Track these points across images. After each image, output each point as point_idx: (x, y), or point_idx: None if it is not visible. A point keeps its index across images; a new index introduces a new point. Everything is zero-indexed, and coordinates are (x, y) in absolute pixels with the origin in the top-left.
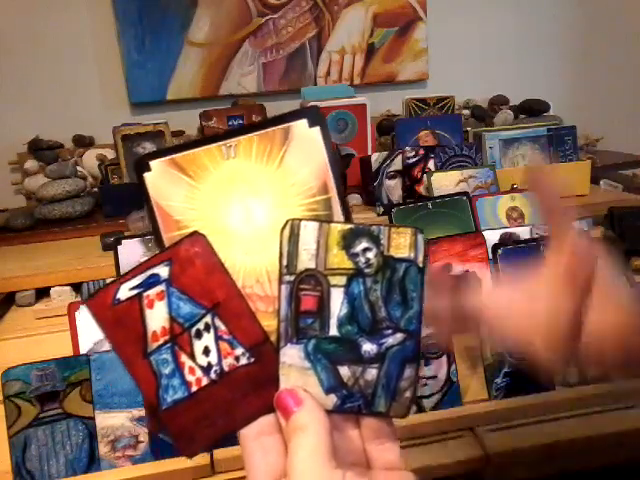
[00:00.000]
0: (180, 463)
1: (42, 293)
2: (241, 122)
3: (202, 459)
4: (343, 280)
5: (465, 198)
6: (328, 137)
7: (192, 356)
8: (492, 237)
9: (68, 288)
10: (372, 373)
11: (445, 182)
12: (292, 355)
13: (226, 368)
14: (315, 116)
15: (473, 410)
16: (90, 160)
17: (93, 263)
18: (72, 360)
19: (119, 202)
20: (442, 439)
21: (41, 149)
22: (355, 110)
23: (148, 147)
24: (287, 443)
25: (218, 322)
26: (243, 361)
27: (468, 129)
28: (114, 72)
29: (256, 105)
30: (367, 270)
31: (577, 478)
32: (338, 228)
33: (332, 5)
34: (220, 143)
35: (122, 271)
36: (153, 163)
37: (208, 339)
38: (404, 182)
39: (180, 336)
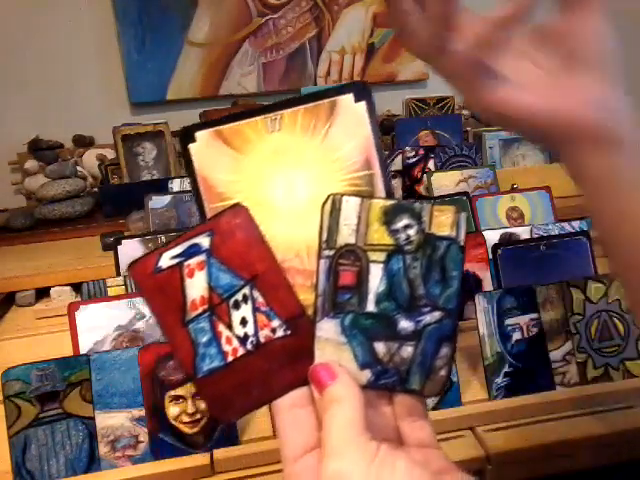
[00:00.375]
0: (180, 463)
1: (42, 293)
2: None
3: (202, 459)
4: (383, 256)
5: (465, 198)
6: (373, 112)
7: (229, 326)
8: (492, 237)
9: (68, 288)
10: (408, 350)
11: (445, 182)
12: (328, 329)
13: (262, 339)
14: (361, 91)
15: (473, 410)
16: (90, 160)
17: (93, 263)
18: (72, 360)
19: (119, 202)
20: (442, 439)
21: (41, 149)
22: None
23: (148, 147)
24: (321, 416)
25: (256, 294)
26: (279, 333)
27: (468, 129)
28: (114, 72)
29: (256, 105)
30: (407, 247)
31: (577, 478)
32: (380, 204)
33: (332, 5)
34: (265, 116)
35: (122, 272)
36: (199, 134)
37: (246, 310)
38: (404, 182)
39: (218, 306)
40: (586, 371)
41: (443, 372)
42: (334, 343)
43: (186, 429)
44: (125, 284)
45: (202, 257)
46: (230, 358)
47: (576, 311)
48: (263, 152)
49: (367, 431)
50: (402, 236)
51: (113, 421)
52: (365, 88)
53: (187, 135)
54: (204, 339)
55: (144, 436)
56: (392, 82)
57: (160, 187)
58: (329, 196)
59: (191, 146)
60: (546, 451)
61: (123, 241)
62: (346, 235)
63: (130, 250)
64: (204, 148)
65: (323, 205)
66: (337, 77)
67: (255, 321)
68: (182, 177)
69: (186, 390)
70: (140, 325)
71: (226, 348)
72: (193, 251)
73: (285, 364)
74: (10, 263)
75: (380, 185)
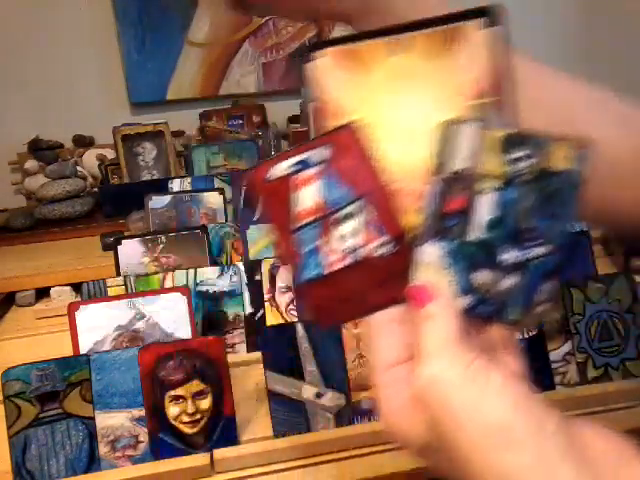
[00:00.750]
0: (180, 463)
1: (42, 293)
2: (241, 122)
3: (202, 459)
4: (496, 185)
5: None
6: (506, 38)
7: (335, 238)
8: None
9: (68, 288)
10: (510, 281)
11: None
12: (431, 253)
13: (364, 254)
14: (494, 15)
15: None
16: (90, 160)
17: (93, 263)
18: (72, 360)
19: (119, 202)
20: None
21: (41, 149)
22: None
23: (148, 147)
24: (416, 333)
25: (364, 210)
26: (382, 250)
27: None
28: (114, 72)
29: (256, 105)
30: (522, 178)
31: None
32: (500, 132)
33: None
34: (390, 38)
35: (122, 272)
36: (320, 52)
37: (352, 225)
38: None
39: (326, 218)
40: (586, 371)
41: (542, 307)
42: (435, 267)
43: (186, 429)
44: (125, 284)
45: (317, 169)
46: (331, 269)
47: (576, 311)
48: (386, 73)
49: (462, 344)
50: (518, 167)
51: (113, 421)
52: (498, 12)
53: (309, 53)
54: (309, 248)
55: (144, 436)
56: None
57: (160, 187)
58: (448, 120)
59: (312, 64)
60: None
61: (123, 241)
62: (460, 161)
63: (130, 250)
64: (325, 66)
65: (441, 129)
66: None
67: (360, 236)
68: (182, 177)
69: (186, 390)
70: (140, 325)
71: (329, 259)
72: (308, 163)
73: (384, 281)
74: (10, 263)
75: (503, 113)
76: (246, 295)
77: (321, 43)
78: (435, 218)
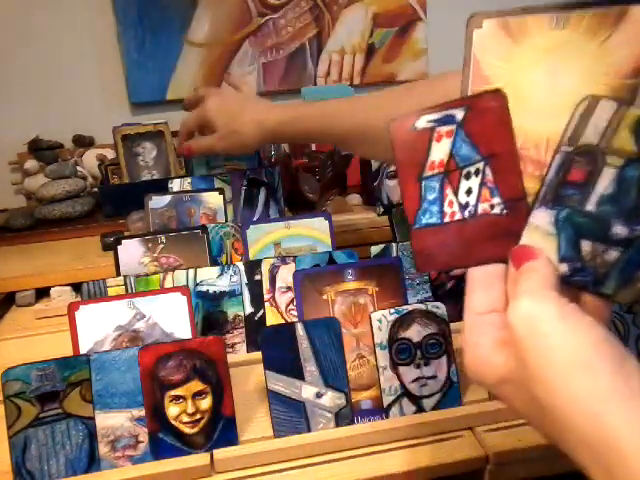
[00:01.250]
0: (180, 463)
1: (42, 293)
2: None
3: (202, 459)
4: (620, 162)
5: None
6: None
7: (456, 192)
8: None
9: (68, 288)
10: (613, 255)
11: None
12: (542, 218)
13: (480, 211)
14: None
15: (473, 410)
16: (90, 160)
17: (93, 263)
18: (72, 360)
19: (119, 202)
20: (442, 439)
21: (41, 149)
22: None
23: (148, 147)
24: (513, 284)
25: (488, 170)
26: (496, 210)
27: None
28: (114, 72)
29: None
30: None
31: (577, 478)
32: (636, 112)
33: (332, 5)
34: (553, 14)
35: (122, 272)
36: (486, 21)
37: (474, 182)
38: None
39: (452, 172)
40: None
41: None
42: (543, 231)
43: (186, 429)
44: (125, 284)
45: (453, 127)
46: (447, 219)
47: None
48: (539, 47)
49: (558, 290)
50: None
51: (113, 421)
52: None
53: (475, 20)
54: (431, 196)
55: (144, 436)
56: (392, 82)
57: (160, 187)
58: (587, 96)
59: (476, 31)
60: (546, 451)
61: (123, 241)
62: (590, 135)
63: (130, 250)
64: (487, 34)
65: (578, 104)
66: (337, 77)
67: (479, 193)
68: (182, 177)
69: (186, 390)
70: (140, 325)
71: (447, 210)
72: (447, 120)
73: (492, 238)
74: (10, 263)
75: None
76: (246, 295)
77: (492, 12)
78: (553, 186)
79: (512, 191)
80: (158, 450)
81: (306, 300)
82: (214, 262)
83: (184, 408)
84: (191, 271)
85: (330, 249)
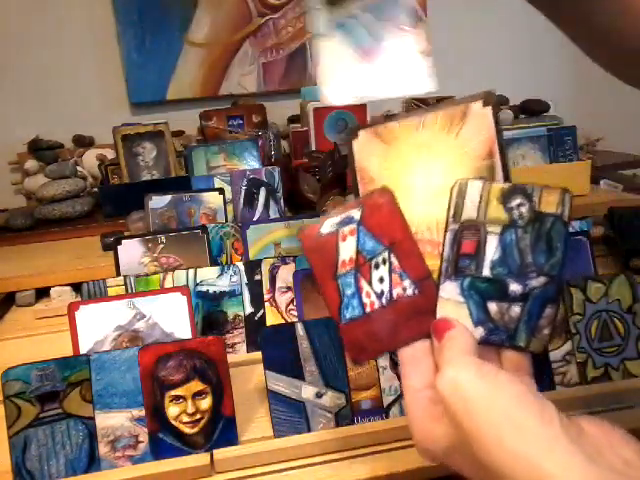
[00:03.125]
0: (180, 463)
1: (42, 293)
2: (241, 122)
3: (202, 459)
4: (499, 229)
5: None
6: (497, 115)
7: (370, 283)
8: None
9: (68, 288)
10: (516, 310)
11: None
12: (450, 290)
13: (395, 296)
14: (488, 98)
15: None
16: (90, 160)
17: (93, 263)
18: (72, 360)
19: (119, 202)
20: None
21: (41, 149)
22: (355, 110)
23: (148, 147)
24: (438, 355)
25: (393, 258)
26: (409, 292)
27: None
28: (114, 72)
29: (256, 105)
30: (520, 222)
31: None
32: (499, 186)
33: None
34: (413, 118)
35: (122, 272)
36: (361, 132)
37: (383, 271)
38: None
39: (362, 266)
40: (586, 371)
41: (546, 331)
42: (454, 302)
43: (186, 429)
44: (125, 284)
45: (354, 225)
46: (368, 309)
47: (576, 311)
48: (408, 147)
49: (476, 355)
50: (515, 213)
51: (113, 421)
52: (491, 96)
53: (353, 133)
54: (349, 292)
55: (144, 436)
56: None
57: (160, 187)
58: (457, 180)
59: (354, 142)
60: None
61: (123, 241)
62: (469, 211)
63: (130, 250)
64: (364, 143)
65: (452, 187)
66: None
67: (390, 280)
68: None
69: (186, 390)
70: (140, 325)
71: (365, 301)
72: (347, 220)
73: (412, 318)
74: (10, 263)
75: (499, 172)
76: (246, 295)
77: (364, 126)
78: (451, 260)
79: (418, 271)
80: (158, 450)
81: (306, 300)
82: (214, 262)
83: (184, 408)
84: (191, 271)
85: None
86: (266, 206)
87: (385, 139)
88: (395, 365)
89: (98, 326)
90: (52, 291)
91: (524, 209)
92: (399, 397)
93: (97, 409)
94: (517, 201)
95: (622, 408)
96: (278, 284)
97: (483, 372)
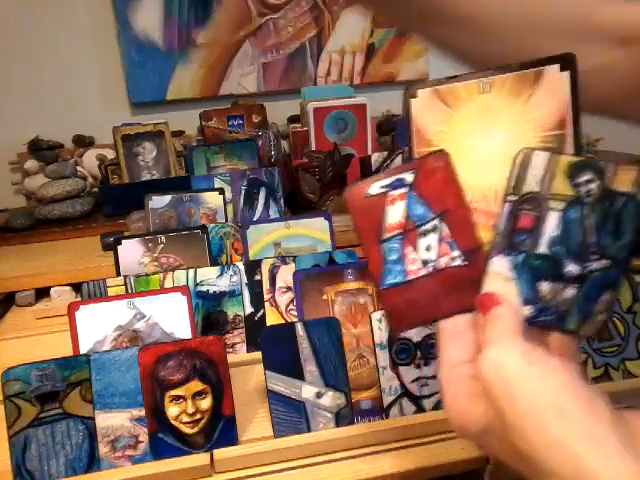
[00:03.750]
0: (180, 463)
1: (42, 293)
2: (241, 122)
3: (202, 459)
4: (562, 205)
5: None
6: (575, 81)
7: (416, 250)
8: None
9: (68, 288)
10: (571, 292)
11: None
12: (500, 265)
13: (442, 265)
14: (567, 62)
15: None
16: (90, 160)
17: (93, 263)
18: (72, 360)
19: (119, 202)
20: (442, 439)
21: (41, 149)
22: (355, 110)
23: (148, 147)
24: (481, 331)
25: (443, 226)
26: (457, 262)
27: None
28: (114, 72)
29: (256, 105)
30: (587, 199)
31: None
32: (567, 159)
33: (332, 5)
34: (479, 79)
35: (122, 272)
36: (420, 91)
37: (432, 238)
38: None
39: (410, 232)
40: (586, 371)
41: (601, 317)
42: (503, 278)
43: (186, 429)
44: (125, 284)
45: (405, 189)
46: (412, 276)
47: None
48: (472, 109)
49: (523, 336)
50: (583, 189)
51: (113, 421)
52: (571, 60)
53: (410, 91)
54: (393, 257)
55: (144, 436)
56: (392, 82)
57: (160, 187)
58: (522, 149)
59: (412, 100)
60: None
61: (123, 241)
62: (532, 184)
63: (130, 250)
64: (422, 103)
65: (515, 157)
66: (337, 77)
67: (438, 249)
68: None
69: (186, 390)
70: (140, 325)
71: (409, 268)
72: (398, 184)
73: (457, 290)
74: (10, 263)
75: (570, 144)
76: (246, 295)
77: (424, 83)
78: (506, 234)
79: (469, 243)
80: (158, 450)
81: (306, 300)
82: (214, 262)
83: (184, 408)
84: (191, 271)
85: (330, 249)
86: (266, 206)
87: (446, 100)
88: (395, 365)
89: (98, 326)
90: (52, 291)
91: (593, 185)
92: (399, 397)
93: (97, 409)
94: (586, 176)
95: (622, 408)
96: (278, 284)
97: (531, 358)
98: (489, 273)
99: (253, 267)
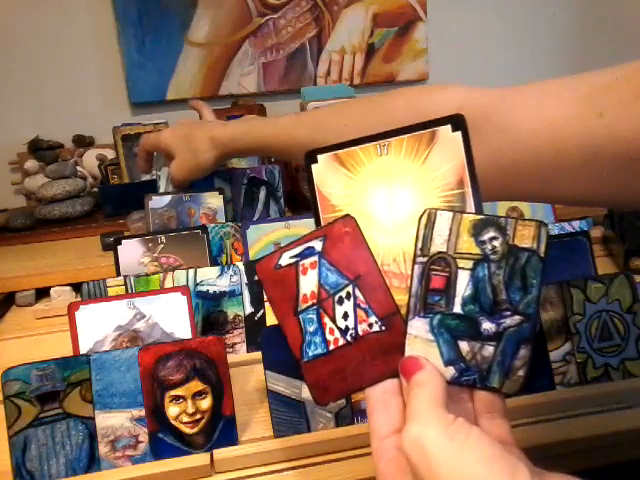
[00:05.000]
0: (180, 463)
1: (42, 293)
2: None
3: (202, 459)
4: (470, 264)
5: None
6: (467, 140)
7: (333, 319)
8: None
9: (68, 288)
10: (489, 350)
11: None
12: (418, 327)
13: (360, 332)
14: (458, 122)
15: None
16: (90, 160)
17: (93, 263)
18: (72, 360)
19: (119, 202)
20: None
21: (41, 149)
22: None
23: None
24: (407, 399)
25: (358, 292)
26: (375, 328)
27: None
28: (114, 72)
29: (256, 105)
30: (492, 256)
31: (577, 478)
32: (470, 218)
33: (332, 5)
34: (376, 142)
35: (122, 272)
36: (320, 157)
37: (348, 306)
38: None
39: (325, 301)
40: (586, 371)
41: (521, 372)
42: (423, 340)
43: (186, 429)
44: (125, 284)
45: (315, 258)
46: (332, 347)
47: (576, 311)
48: (372, 172)
49: (447, 408)
50: (488, 247)
51: (113, 421)
52: (461, 120)
53: (311, 157)
54: (311, 328)
55: (144, 436)
56: (392, 82)
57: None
58: (426, 210)
59: (313, 166)
60: (546, 451)
61: (123, 241)
62: (438, 244)
63: (130, 250)
64: (323, 168)
65: (420, 217)
66: (337, 77)
67: (355, 316)
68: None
69: (186, 390)
70: (140, 325)
71: (329, 337)
72: (308, 252)
73: (378, 356)
74: (10, 263)
75: (471, 202)
76: (246, 295)
77: (323, 148)
78: (420, 295)
79: (385, 307)
80: (158, 450)
81: None
82: (214, 262)
83: (184, 408)
84: (191, 271)
85: None
86: (266, 206)
87: (346, 164)
88: None
89: (98, 326)
90: (52, 291)
91: (497, 243)
92: None
93: (97, 409)
94: (489, 234)
95: (622, 408)
96: None
97: (451, 431)
98: (409, 336)
99: (253, 267)
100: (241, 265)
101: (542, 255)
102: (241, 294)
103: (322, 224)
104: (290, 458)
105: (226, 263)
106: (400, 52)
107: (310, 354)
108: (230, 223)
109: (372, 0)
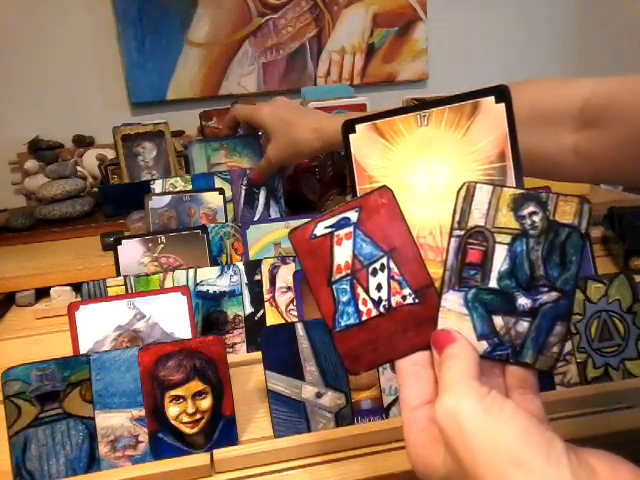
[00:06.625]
0: (180, 463)
1: (42, 293)
2: None
3: (202, 459)
4: (508, 239)
5: None
6: (511, 113)
7: (366, 290)
8: None
9: (68, 288)
10: (524, 325)
11: None
12: (452, 301)
13: (393, 304)
14: (502, 94)
15: None
16: (90, 160)
17: (93, 263)
18: (72, 360)
19: (119, 202)
20: None
21: (41, 149)
22: (355, 110)
23: (148, 147)
24: (438, 373)
25: (392, 264)
26: (409, 300)
27: None
28: (114, 72)
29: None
30: (532, 232)
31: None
32: (510, 192)
33: (332, 5)
34: (416, 113)
35: (122, 272)
36: (358, 126)
37: (382, 277)
38: None
39: (359, 272)
40: (586, 371)
41: (555, 349)
42: (456, 314)
43: (186, 429)
44: (125, 284)
45: (350, 229)
46: (364, 317)
47: (576, 311)
48: (411, 143)
49: (480, 381)
50: (527, 222)
51: (113, 421)
52: (505, 91)
53: (349, 127)
54: (344, 298)
55: (144, 436)
56: (392, 82)
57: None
58: (465, 183)
59: (351, 136)
60: None
61: (123, 241)
62: (476, 218)
63: (130, 250)
64: (361, 138)
65: (459, 191)
66: (337, 77)
67: (389, 287)
68: (164, 179)
69: (186, 390)
70: (140, 325)
71: (362, 308)
72: (343, 223)
73: (411, 328)
74: (10, 263)
75: (511, 176)
76: (246, 295)
77: (362, 118)
78: (456, 269)
79: (419, 280)
80: (158, 450)
81: (306, 300)
82: (214, 262)
83: (184, 408)
84: (191, 271)
85: None
86: (266, 206)
87: (385, 134)
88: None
89: (98, 326)
90: (52, 291)
91: (537, 218)
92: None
93: (97, 409)
94: (529, 209)
95: (622, 408)
96: (278, 284)
97: (486, 403)
98: (443, 309)
99: (253, 267)
100: (241, 265)
101: (583, 231)
102: (241, 294)
103: (358, 195)
104: (290, 458)
105: (226, 263)
106: (400, 52)
107: (342, 324)
108: (230, 223)
109: (372, 0)
